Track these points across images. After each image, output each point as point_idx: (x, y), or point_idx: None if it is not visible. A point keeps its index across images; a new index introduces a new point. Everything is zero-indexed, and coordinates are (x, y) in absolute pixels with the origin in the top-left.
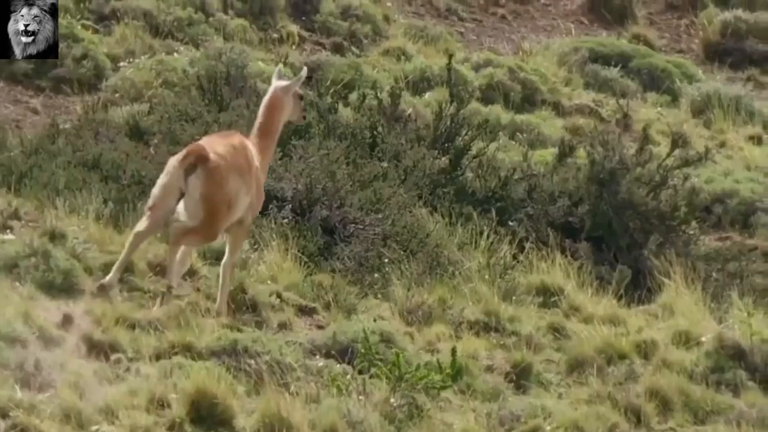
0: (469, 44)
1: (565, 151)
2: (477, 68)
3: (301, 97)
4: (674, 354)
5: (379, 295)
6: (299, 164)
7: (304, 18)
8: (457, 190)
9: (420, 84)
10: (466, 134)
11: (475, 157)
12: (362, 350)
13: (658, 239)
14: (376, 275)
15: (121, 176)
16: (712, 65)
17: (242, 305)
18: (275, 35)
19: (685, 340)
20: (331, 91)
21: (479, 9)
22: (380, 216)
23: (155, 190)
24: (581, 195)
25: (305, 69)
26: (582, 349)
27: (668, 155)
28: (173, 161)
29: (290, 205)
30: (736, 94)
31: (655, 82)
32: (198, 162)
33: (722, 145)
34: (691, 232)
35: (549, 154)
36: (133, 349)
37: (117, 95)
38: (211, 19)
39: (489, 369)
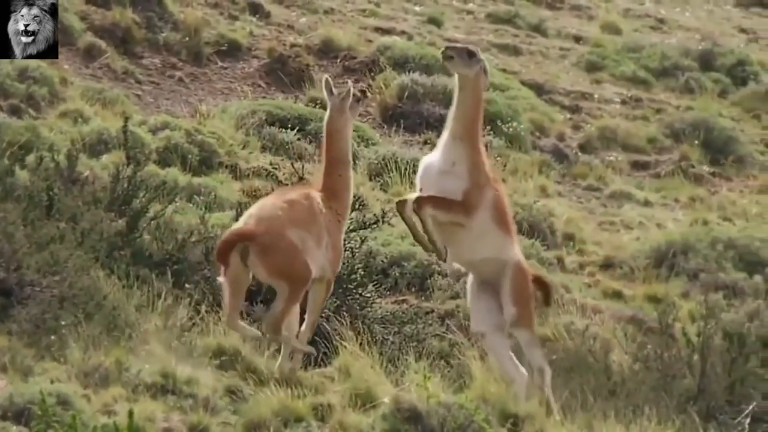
0: (146, 107)
1: (242, 214)
2: (154, 131)
3: (358, 100)
4: (351, 417)
5: (57, 357)
6: None
7: None
8: (134, 252)
9: (97, 146)
10: (143, 196)
11: (152, 220)
12: (39, 412)
13: (334, 302)
14: (53, 337)
15: None
16: (389, 128)
17: None
18: None
19: (362, 402)
20: (8, 153)
21: (156, 72)
22: (57, 278)
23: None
24: None
25: (350, 83)
26: (259, 412)
27: None
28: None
29: None
30: (413, 157)
31: None
32: (243, 242)
33: None
34: (368, 295)
35: (226, 216)
36: None
37: None
38: None
39: (166, 431)
